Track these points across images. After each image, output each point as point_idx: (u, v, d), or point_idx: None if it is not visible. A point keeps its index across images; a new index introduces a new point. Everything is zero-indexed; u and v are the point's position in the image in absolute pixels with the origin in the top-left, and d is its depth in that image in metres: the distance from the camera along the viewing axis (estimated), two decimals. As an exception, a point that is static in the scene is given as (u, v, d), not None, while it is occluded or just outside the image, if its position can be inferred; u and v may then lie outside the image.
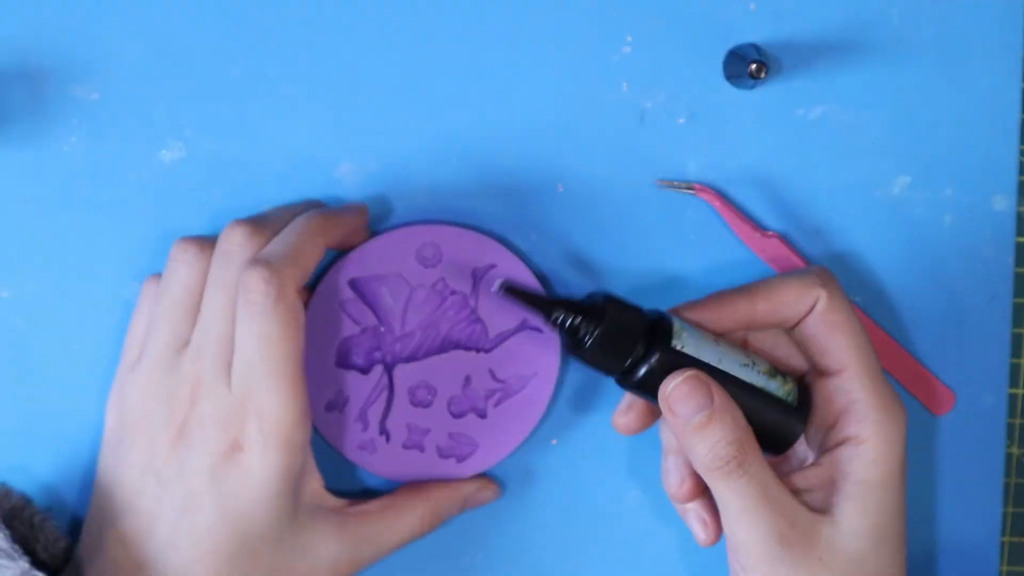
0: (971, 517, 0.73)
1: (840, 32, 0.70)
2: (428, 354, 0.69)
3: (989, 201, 0.71)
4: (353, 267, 0.68)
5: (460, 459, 0.69)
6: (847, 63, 0.70)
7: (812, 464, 0.63)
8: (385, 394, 0.69)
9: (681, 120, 0.70)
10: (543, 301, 0.63)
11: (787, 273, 0.64)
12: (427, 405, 0.69)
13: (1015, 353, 0.73)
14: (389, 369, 0.69)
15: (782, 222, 0.70)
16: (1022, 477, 0.74)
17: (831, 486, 0.62)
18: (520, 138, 0.69)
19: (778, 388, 0.63)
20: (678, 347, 0.62)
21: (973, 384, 0.72)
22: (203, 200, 0.69)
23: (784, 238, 0.70)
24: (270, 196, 0.69)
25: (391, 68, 0.69)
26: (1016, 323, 0.72)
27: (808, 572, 0.61)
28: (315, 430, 0.69)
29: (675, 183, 0.70)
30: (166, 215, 0.68)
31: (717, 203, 0.69)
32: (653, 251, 0.70)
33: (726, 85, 0.69)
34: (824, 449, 0.63)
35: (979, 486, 0.73)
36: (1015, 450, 0.73)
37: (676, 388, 0.61)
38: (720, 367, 0.62)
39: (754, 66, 0.65)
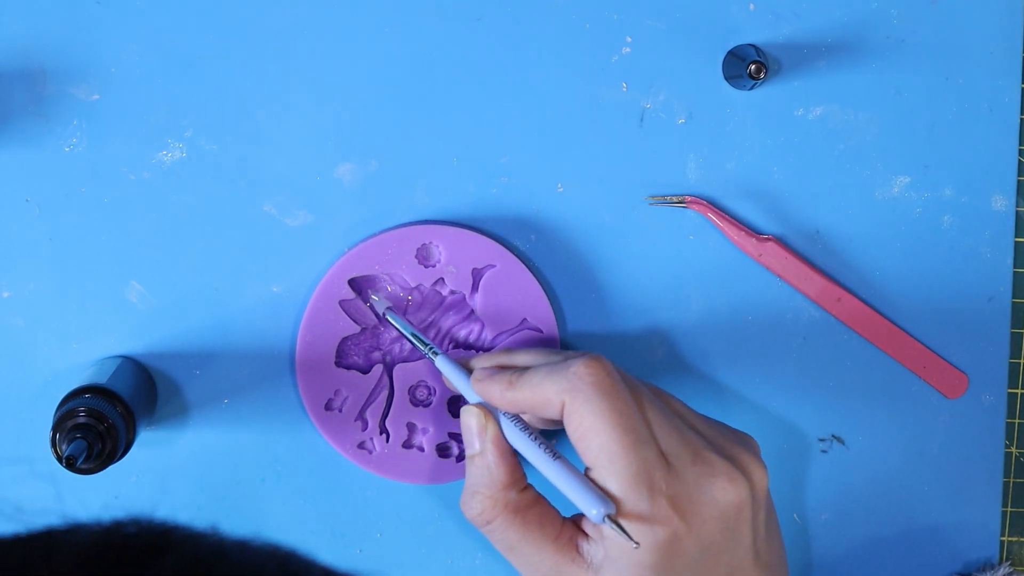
0: (971, 516, 0.73)
1: (840, 32, 0.70)
2: (428, 354, 0.69)
3: (989, 201, 0.71)
4: (353, 267, 0.68)
5: (460, 459, 0.69)
6: (847, 63, 0.70)
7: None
8: (385, 393, 0.69)
9: (681, 120, 0.70)
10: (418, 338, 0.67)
11: (550, 368, 0.61)
12: (427, 405, 0.69)
13: (1015, 353, 0.73)
14: (389, 369, 0.69)
15: (781, 222, 0.70)
16: (1022, 477, 0.74)
17: (603, 553, 0.60)
18: (520, 138, 0.69)
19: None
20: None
21: (973, 384, 0.72)
22: (203, 200, 0.69)
23: (781, 240, 0.70)
24: (270, 196, 0.69)
25: (391, 68, 0.69)
26: (1016, 323, 0.72)
27: None
28: (315, 430, 0.69)
29: (667, 197, 0.70)
30: (166, 215, 0.68)
31: (710, 214, 0.69)
32: (653, 251, 0.70)
33: (726, 85, 0.69)
34: None
35: (979, 486, 0.73)
36: (1015, 450, 0.73)
37: (463, 414, 0.63)
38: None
39: (753, 67, 0.65)
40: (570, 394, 0.59)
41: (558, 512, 0.61)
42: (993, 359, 0.72)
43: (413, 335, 0.66)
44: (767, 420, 0.72)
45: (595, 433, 0.58)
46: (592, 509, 0.57)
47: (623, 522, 0.57)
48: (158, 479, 0.70)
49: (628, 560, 0.58)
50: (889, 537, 0.73)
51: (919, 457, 0.72)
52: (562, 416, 0.60)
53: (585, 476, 0.59)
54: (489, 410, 0.62)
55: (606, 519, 0.56)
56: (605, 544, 0.59)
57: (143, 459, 0.70)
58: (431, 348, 0.65)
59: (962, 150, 0.71)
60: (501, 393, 0.62)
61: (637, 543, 0.57)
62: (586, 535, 0.60)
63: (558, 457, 0.60)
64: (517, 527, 0.60)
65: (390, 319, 0.67)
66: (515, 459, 0.62)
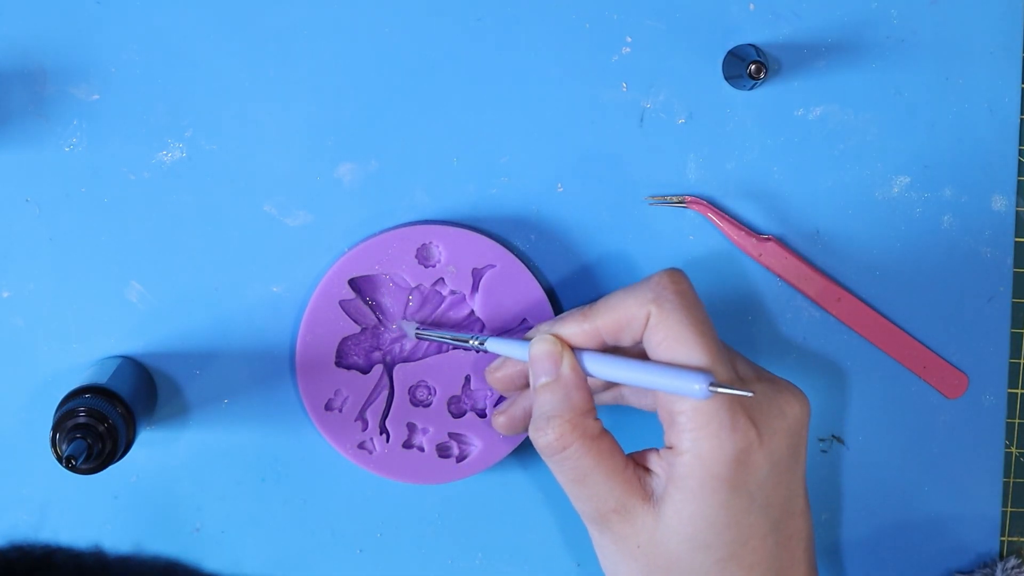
0: (971, 516, 0.73)
1: (840, 32, 0.70)
2: (428, 354, 0.69)
3: (989, 201, 0.71)
4: (353, 267, 0.68)
5: (460, 459, 0.69)
6: (847, 63, 0.70)
7: (665, 449, 0.61)
8: (385, 394, 0.69)
9: (681, 120, 0.70)
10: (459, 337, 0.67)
11: (629, 287, 0.61)
12: (427, 405, 0.69)
13: (1015, 353, 0.73)
14: (389, 369, 0.69)
15: (781, 222, 0.70)
16: (1022, 477, 0.74)
17: (668, 480, 0.61)
18: (520, 138, 0.69)
19: None
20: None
21: (973, 384, 0.72)
22: (203, 200, 0.69)
23: (782, 240, 0.70)
24: (270, 196, 0.69)
25: (391, 68, 0.69)
26: (1016, 323, 0.72)
27: (623, 556, 0.61)
28: (315, 430, 0.69)
29: (667, 197, 0.70)
30: (166, 215, 0.68)
31: (710, 214, 0.69)
32: (653, 251, 0.70)
33: (726, 85, 0.69)
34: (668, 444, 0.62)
35: (979, 486, 0.73)
36: (1015, 450, 0.73)
37: (535, 344, 0.62)
38: None
39: (753, 67, 0.65)
40: (657, 303, 0.59)
41: (621, 448, 0.61)
42: (993, 359, 0.72)
43: (453, 338, 0.67)
44: (767, 420, 0.72)
45: (682, 343, 0.59)
46: (695, 384, 0.57)
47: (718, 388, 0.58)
48: (158, 479, 0.70)
49: (703, 474, 0.58)
50: (889, 537, 0.73)
51: (919, 457, 0.72)
52: (642, 335, 0.60)
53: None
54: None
55: (711, 387, 0.57)
56: (673, 467, 0.59)
57: (143, 459, 0.70)
58: (475, 338, 0.66)
59: (962, 150, 0.71)
60: (578, 325, 0.61)
61: (752, 392, 0.57)
62: (647, 470, 0.61)
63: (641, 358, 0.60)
64: (593, 454, 0.60)
65: (425, 336, 0.68)
66: (589, 387, 0.61)
